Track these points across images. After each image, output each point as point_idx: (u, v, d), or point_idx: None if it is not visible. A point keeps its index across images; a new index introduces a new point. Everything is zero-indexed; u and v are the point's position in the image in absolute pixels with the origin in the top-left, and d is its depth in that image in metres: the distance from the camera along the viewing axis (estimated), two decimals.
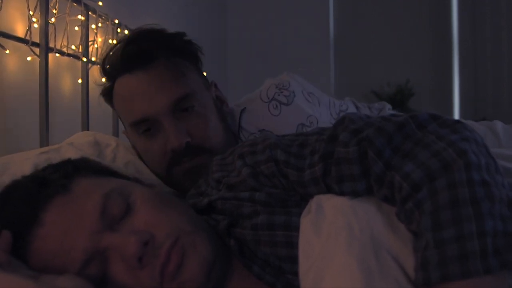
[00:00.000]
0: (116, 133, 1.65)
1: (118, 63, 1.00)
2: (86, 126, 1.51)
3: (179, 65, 1.00)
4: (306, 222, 0.65)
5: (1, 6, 1.16)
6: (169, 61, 0.99)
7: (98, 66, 1.56)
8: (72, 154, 0.97)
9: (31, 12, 1.27)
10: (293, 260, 0.66)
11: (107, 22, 1.63)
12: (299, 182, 0.68)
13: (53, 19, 1.35)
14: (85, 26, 1.50)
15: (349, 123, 0.66)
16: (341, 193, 0.65)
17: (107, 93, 1.06)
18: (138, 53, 0.98)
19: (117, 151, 1.09)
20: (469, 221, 0.54)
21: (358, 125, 0.65)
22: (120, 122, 1.70)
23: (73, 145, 1.05)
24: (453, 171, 0.57)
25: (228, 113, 1.12)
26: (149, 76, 0.97)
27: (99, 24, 1.59)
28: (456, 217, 0.55)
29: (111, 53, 1.03)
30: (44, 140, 1.28)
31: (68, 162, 0.74)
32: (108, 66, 1.03)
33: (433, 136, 0.61)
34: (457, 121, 0.64)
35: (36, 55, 1.30)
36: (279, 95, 1.11)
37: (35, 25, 1.30)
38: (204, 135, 0.99)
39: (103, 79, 1.09)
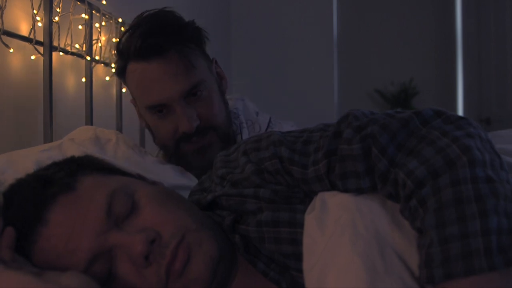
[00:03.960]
0: (119, 131, 1.65)
1: (134, 51, 1.09)
2: (89, 125, 1.51)
3: (189, 55, 1.11)
4: (310, 219, 0.65)
5: (5, 5, 1.16)
6: (181, 52, 1.10)
7: (102, 64, 1.57)
8: (73, 150, 0.97)
9: (35, 11, 1.27)
10: (298, 257, 0.66)
11: (111, 21, 1.63)
12: (303, 179, 0.68)
13: (57, 18, 1.36)
14: (88, 24, 1.50)
15: (352, 120, 0.66)
16: (345, 190, 0.65)
17: (121, 72, 1.16)
18: (154, 46, 1.08)
19: (118, 146, 1.11)
20: (473, 218, 0.54)
21: (361, 122, 0.65)
22: (123, 121, 1.71)
23: (74, 141, 1.06)
24: (457, 168, 0.56)
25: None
26: (163, 66, 1.08)
27: (103, 23, 1.59)
28: (460, 214, 0.54)
29: (127, 34, 1.12)
30: (48, 139, 1.29)
31: (72, 160, 0.74)
32: (123, 48, 1.12)
33: (438, 133, 0.60)
34: (461, 117, 0.64)
35: (40, 53, 1.31)
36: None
37: (39, 24, 1.30)
38: (211, 117, 1.13)
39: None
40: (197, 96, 1.11)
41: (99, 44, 1.58)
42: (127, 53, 1.11)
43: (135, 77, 1.12)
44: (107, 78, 1.69)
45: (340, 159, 0.64)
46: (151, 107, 1.12)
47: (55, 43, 1.35)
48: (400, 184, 0.60)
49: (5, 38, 1.19)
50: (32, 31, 1.27)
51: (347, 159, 0.64)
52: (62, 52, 1.40)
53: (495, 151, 0.61)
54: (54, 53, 1.34)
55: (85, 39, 1.50)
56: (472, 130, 0.61)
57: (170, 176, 1.09)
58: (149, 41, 1.08)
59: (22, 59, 1.29)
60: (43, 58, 1.31)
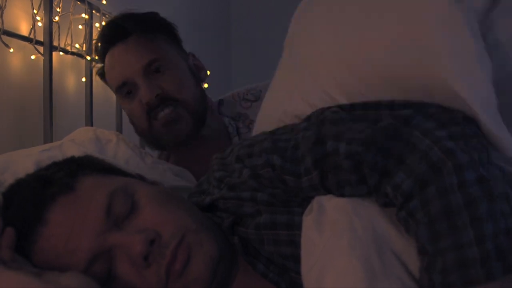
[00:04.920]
0: (119, 131, 1.65)
1: (103, 42, 1.18)
2: (90, 125, 1.51)
3: (150, 37, 1.17)
4: (308, 221, 0.64)
5: (5, 5, 1.16)
6: (142, 34, 1.16)
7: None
8: (74, 151, 0.97)
9: (35, 11, 1.27)
10: (297, 259, 0.65)
11: None
12: (297, 188, 0.67)
13: (57, 18, 1.36)
14: (89, 24, 1.50)
15: (330, 127, 0.64)
16: (342, 195, 0.64)
17: (102, 73, 1.22)
18: (117, 30, 1.16)
19: (118, 146, 1.10)
20: (465, 228, 0.53)
21: (339, 130, 0.63)
22: (123, 120, 1.71)
23: (74, 141, 1.06)
24: (443, 175, 0.55)
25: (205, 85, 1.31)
26: (126, 46, 1.15)
27: (103, 23, 1.59)
28: (452, 225, 0.53)
29: (99, 35, 1.21)
30: (48, 139, 1.29)
31: (72, 160, 0.74)
32: (98, 47, 1.21)
33: (418, 132, 0.59)
34: (443, 109, 0.62)
35: (40, 53, 1.31)
36: (247, 95, 1.38)
37: (39, 24, 1.30)
38: (174, 87, 1.15)
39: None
40: (161, 73, 1.15)
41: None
42: (101, 48, 1.17)
43: (106, 66, 1.18)
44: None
45: (333, 170, 0.63)
46: (118, 88, 1.16)
47: (55, 43, 1.35)
48: (391, 197, 0.59)
49: (5, 38, 1.19)
50: (32, 31, 1.27)
51: (339, 171, 0.62)
52: (62, 52, 1.40)
53: (483, 145, 0.59)
54: (54, 53, 1.35)
55: (85, 39, 1.50)
56: (454, 129, 0.59)
57: (170, 177, 1.09)
58: (113, 26, 1.17)
59: (22, 59, 1.29)
60: (43, 58, 1.31)
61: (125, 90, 1.16)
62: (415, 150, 0.57)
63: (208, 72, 1.31)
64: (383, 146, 0.59)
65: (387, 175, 0.59)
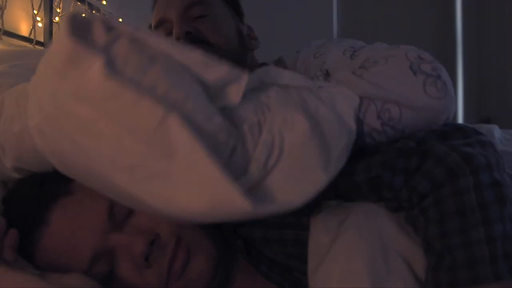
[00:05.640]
0: None
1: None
2: None
3: None
4: (315, 221, 0.65)
5: (6, 5, 1.16)
6: None
7: None
8: None
9: (35, 11, 1.27)
10: (302, 259, 0.65)
11: None
12: None
13: (57, 18, 1.36)
14: None
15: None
16: (350, 201, 0.64)
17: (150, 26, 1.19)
18: None
19: None
20: (477, 227, 0.53)
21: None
22: None
23: None
24: (459, 177, 0.55)
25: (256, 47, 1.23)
26: None
27: None
28: (463, 223, 0.54)
29: None
30: None
31: None
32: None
33: (433, 143, 0.59)
34: (460, 129, 0.62)
35: None
36: None
37: (39, 24, 1.30)
38: (211, 33, 1.07)
39: None
40: (201, 19, 1.08)
41: None
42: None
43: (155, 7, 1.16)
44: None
45: (346, 189, 0.63)
46: (156, 26, 1.11)
47: None
48: (404, 200, 0.59)
49: (5, 38, 1.19)
50: (32, 31, 1.27)
51: (353, 190, 0.63)
52: None
53: (498, 152, 0.60)
54: None
55: None
56: (469, 139, 0.60)
57: None
58: None
59: None
60: None
61: (163, 31, 1.09)
62: (431, 156, 0.58)
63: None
64: (396, 165, 0.59)
65: (404, 185, 0.59)
